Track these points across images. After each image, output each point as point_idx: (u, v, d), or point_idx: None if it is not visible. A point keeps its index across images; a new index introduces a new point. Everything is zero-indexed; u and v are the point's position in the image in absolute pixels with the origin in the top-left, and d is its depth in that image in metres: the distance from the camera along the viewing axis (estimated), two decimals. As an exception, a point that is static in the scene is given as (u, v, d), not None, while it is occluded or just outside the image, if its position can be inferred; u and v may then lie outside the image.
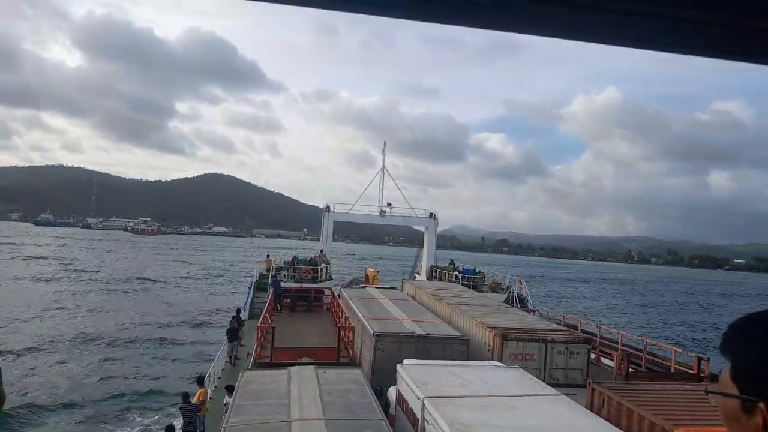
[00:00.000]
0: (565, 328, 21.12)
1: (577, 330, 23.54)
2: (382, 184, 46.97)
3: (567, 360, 17.29)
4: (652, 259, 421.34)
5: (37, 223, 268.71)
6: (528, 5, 1.07)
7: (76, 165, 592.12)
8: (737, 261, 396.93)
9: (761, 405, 1.01)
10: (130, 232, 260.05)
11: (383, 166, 47.84)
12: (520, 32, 1.17)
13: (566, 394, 11.92)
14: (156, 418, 22.62)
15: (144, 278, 71.39)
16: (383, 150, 48.77)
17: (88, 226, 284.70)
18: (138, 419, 22.75)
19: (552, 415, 10.37)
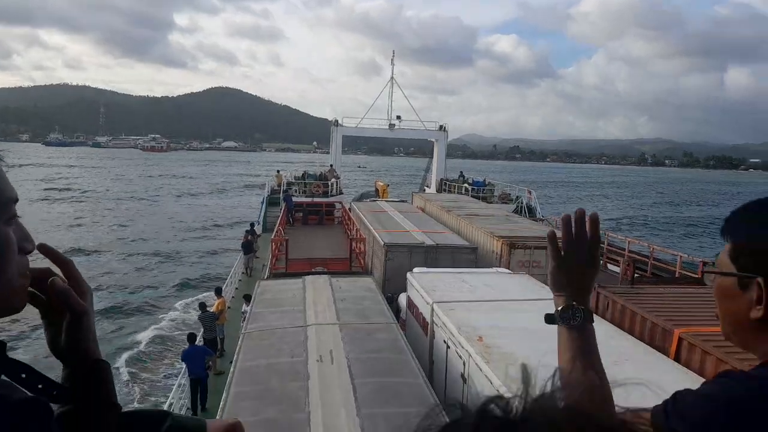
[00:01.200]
0: (573, 236, 21.40)
1: (585, 238, 23.87)
2: (391, 96, 46.28)
3: (573, 266, 17.66)
4: (667, 162, 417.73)
5: (47, 144, 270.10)
6: None
7: (80, 84, 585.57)
8: (753, 160, 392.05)
9: (759, 280, 1.07)
10: (141, 149, 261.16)
11: (392, 77, 46.91)
12: None
13: (572, 299, 12.31)
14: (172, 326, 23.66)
15: (157, 195, 72.42)
16: (392, 60, 47.60)
17: (98, 145, 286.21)
18: (156, 326, 23.79)
19: (556, 317, 10.78)
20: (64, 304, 0.98)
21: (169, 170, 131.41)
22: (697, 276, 18.88)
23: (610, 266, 22.62)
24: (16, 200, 0.95)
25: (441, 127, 46.03)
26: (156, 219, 52.35)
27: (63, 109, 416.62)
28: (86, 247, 38.24)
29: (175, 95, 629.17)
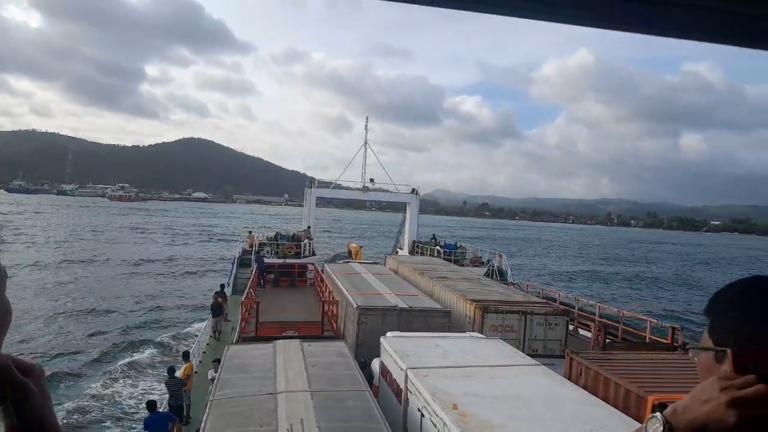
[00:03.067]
0: (543, 300, 21.58)
1: (556, 302, 24.06)
2: (365, 160, 46.90)
3: (546, 331, 17.72)
4: (632, 222, 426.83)
5: (9, 190, 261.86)
6: None
7: (48, 131, 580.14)
8: (714, 222, 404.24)
9: (729, 352, 1.13)
10: (108, 198, 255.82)
11: (365, 142, 47.63)
12: (514, 15, 1.15)
13: (545, 365, 12.28)
14: (138, 390, 22.72)
15: (119, 245, 70.92)
16: (365, 126, 48.53)
17: (63, 193, 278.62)
18: (120, 389, 22.80)
19: (532, 385, 10.70)
20: (3, 380, 0.94)
21: (132, 220, 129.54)
22: (667, 342, 19.07)
23: (581, 331, 22.73)
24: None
25: (413, 190, 46.66)
26: (116, 277, 51.02)
27: (29, 155, 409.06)
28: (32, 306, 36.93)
29: (145, 145, 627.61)
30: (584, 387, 11.51)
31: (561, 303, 24.38)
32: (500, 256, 38.01)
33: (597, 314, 22.68)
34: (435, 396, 9.71)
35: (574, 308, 23.72)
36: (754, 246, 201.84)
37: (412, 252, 42.12)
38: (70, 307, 37.32)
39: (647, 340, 19.72)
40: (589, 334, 20.98)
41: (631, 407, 10.44)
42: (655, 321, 21.27)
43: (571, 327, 20.31)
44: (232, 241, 74.45)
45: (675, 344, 18.87)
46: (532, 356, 13.64)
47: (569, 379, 12.06)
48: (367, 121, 48.80)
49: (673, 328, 19.51)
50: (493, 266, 36.32)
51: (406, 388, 11.15)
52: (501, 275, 34.95)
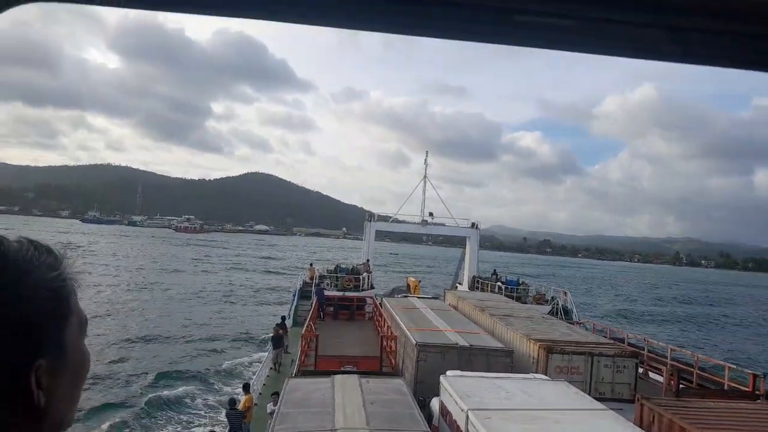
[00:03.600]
0: (611, 341, 20.69)
1: (624, 343, 23.00)
2: (424, 194, 46.97)
3: (614, 374, 16.91)
4: (703, 262, 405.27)
5: (84, 221, 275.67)
6: (533, 19, 1.03)
7: (122, 164, 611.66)
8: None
9: None
10: (174, 229, 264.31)
11: (425, 176, 47.79)
12: (526, 46, 1.11)
13: (613, 409, 11.68)
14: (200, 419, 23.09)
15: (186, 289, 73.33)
16: (425, 160, 48.77)
17: (133, 224, 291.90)
18: (178, 421, 23.22)
19: (599, 430, 10.18)
20: None
21: (197, 251, 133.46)
22: (748, 390, 17.81)
23: (651, 375, 21.56)
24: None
25: (473, 224, 46.20)
26: (180, 306, 52.56)
27: (103, 187, 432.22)
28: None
29: (211, 178, 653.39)
30: (657, 436, 10.87)
31: (629, 344, 23.31)
32: (565, 293, 36.88)
33: (669, 357, 21.49)
34: (497, 440, 9.39)
35: (643, 350, 22.59)
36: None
37: (472, 288, 41.49)
38: (134, 333, 38.70)
39: (725, 387, 18.49)
40: (660, 379, 19.87)
41: (710, 461, 9.76)
42: (734, 366, 19.93)
43: (640, 370, 19.30)
44: (290, 274, 75.78)
45: (756, 392, 17.60)
46: (599, 400, 13.02)
47: (640, 427, 11.41)
48: (426, 156, 49.08)
49: (754, 375, 18.19)
50: (557, 304, 35.23)
51: (467, 430, 10.83)
52: (566, 314, 33.83)
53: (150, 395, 25.77)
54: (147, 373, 29.27)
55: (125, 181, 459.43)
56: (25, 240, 0.96)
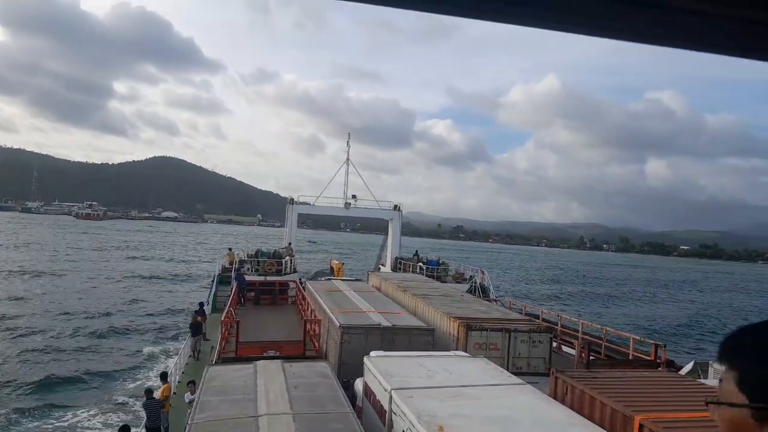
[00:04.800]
0: (527, 318, 21.52)
1: (539, 319, 24.01)
2: (347, 177, 46.83)
3: (530, 349, 17.62)
4: (605, 246, 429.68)
5: None
6: None
7: (13, 147, 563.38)
8: (683, 247, 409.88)
9: None
10: (74, 216, 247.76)
11: (348, 159, 47.63)
12: (513, 23, 1.10)
13: (529, 383, 12.15)
14: (114, 415, 22.11)
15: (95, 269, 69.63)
16: (347, 142, 48.57)
17: (28, 210, 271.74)
18: (92, 413, 22.16)
19: (518, 404, 10.55)
20: None
21: (102, 239, 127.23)
22: (650, 359, 19.08)
23: (564, 348, 22.67)
24: None
25: (395, 206, 46.63)
26: (93, 294, 49.94)
27: None
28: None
29: (114, 162, 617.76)
30: (570, 406, 11.39)
31: (544, 320, 24.35)
32: (482, 272, 38.02)
33: (580, 331, 22.65)
34: (420, 418, 9.51)
35: (557, 325, 23.68)
36: (724, 270, 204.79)
37: (394, 269, 41.96)
38: (46, 323, 36.38)
39: (630, 357, 19.72)
40: (572, 352, 20.92)
41: (618, 427, 10.34)
42: (638, 337, 21.29)
43: (554, 344, 20.24)
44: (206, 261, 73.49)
45: (658, 360, 18.90)
46: (516, 374, 13.51)
47: (555, 399, 11.94)
48: (349, 137, 48.90)
49: (656, 345, 19.53)
50: (475, 283, 36.29)
51: (391, 410, 10.93)
52: (484, 292, 34.92)
53: (60, 390, 24.43)
54: (57, 366, 27.67)
55: (18, 164, 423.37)
56: None
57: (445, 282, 34.89)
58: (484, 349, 17.02)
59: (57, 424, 21.06)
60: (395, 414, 10.76)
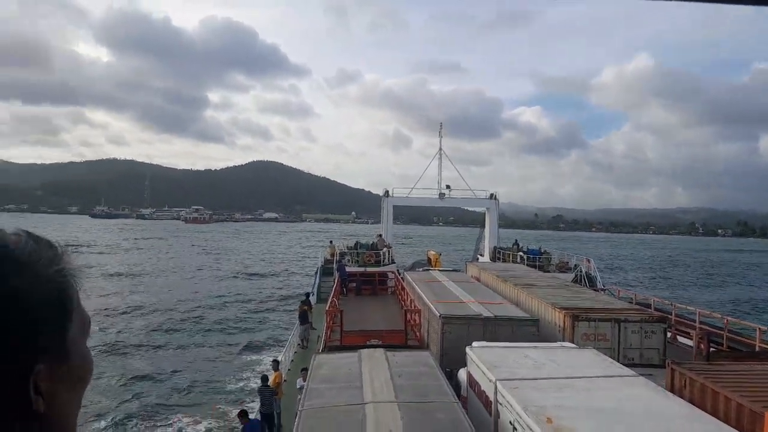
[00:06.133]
0: (637, 307, 20.46)
1: (651, 308, 22.75)
2: (440, 167, 46.66)
3: (642, 339, 16.75)
4: (719, 231, 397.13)
5: (93, 216, 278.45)
6: None
7: (128, 158, 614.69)
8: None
9: None
10: (183, 221, 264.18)
11: (440, 149, 47.47)
12: None
13: (643, 375, 11.56)
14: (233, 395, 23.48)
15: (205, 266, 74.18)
16: (440, 132, 48.37)
17: (142, 217, 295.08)
18: (209, 398, 23.64)
19: (631, 397, 10.07)
20: None
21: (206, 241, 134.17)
22: (780, 351, 17.53)
23: (680, 339, 21.34)
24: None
25: (492, 195, 45.85)
26: (206, 289, 53.26)
27: (110, 182, 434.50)
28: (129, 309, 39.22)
29: (217, 168, 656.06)
30: (689, 401, 10.70)
31: (656, 309, 23.04)
32: (588, 261, 36.57)
33: (698, 321, 21.21)
34: (527, 409, 9.32)
35: (670, 315, 22.32)
36: None
37: (493, 259, 41.34)
38: (168, 318, 39.36)
39: (757, 349, 18.22)
40: (690, 343, 19.63)
41: (745, 424, 9.59)
42: (765, 327, 19.60)
43: (669, 335, 19.09)
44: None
45: (789, 353, 17.32)
46: (628, 366, 12.88)
47: (672, 392, 11.26)
48: (441, 128, 48.63)
49: (787, 336, 17.90)
50: (581, 272, 34.96)
51: (496, 400, 10.80)
52: (590, 281, 33.59)
53: (184, 376, 26.34)
54: (178, 355, 29.88)
55: (131, 174, 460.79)
56: (24, 233, 0.88)
57: (548, 272, 33.88)
58: (593, 340, 16.37)
59: (178, 406, 22.68)
60: (501, 405, 10.62)
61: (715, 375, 11.37)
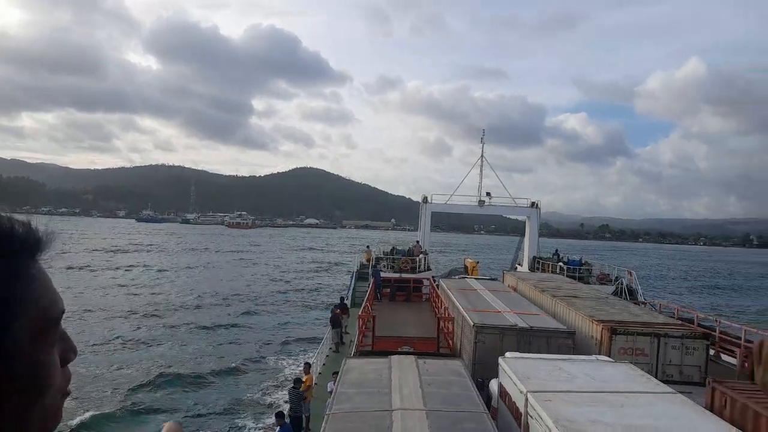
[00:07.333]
0: (679, 322, 19.84)
1: (694, 323, 22.01)
2: (481, 174, 46.30)
3: (682, 356, 16.21)
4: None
5: (139, 220, 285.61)
6: None
7: (175, 164, 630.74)
8: None
9: None
10: (226, 225, 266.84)
11: (482, 156, 47.11)
12: None
13: (681, 393, 11.19)
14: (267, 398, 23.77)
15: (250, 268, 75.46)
16: (482, 139, 48.03)
17: (186, 221, 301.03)
18: (245, 397, 23.98)
19: (667, 415, 9.75)
20: None
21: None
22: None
23: (723, 356, 20.56)
24: (64, 311, 0.87)
25: (533, 203, 45.22)
26: (242, 291, 54.19)
27: (157, 187, 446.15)
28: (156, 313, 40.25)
29: (260, 174, 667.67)
30: (729, 421, 10.31)
31: (700, 325, 22.27)
32: (630, 273, 35.66)
33: (743, 338, 20.40)
34: (558, 422, 9.13)
35: (714, 331, 21.54)
36: None
37: (532, 268, 40.74)
38: (201, 320, 40.23)
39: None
40: (733, 361, 18.92)
41: (789, 448, 9.19)
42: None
43: (712, 352, 18.41)
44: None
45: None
46: (666, 383, 12.49)
47: (711, 411, 10.87)
48: (483, 134, 48.27)
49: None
50: (622, 284, 34.12)
51: (527, 413, 10.61)
52: (631, 294, 32.74)
53: (213, 375, 26.87)
54: (213, 355, 30.53)
55: (178, 180, 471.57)
56: None
57: (588, 283, 33.19)
58: (630, 354, 15.93)
59: (216, 404, 23.09)
60: (531, 417, 10.43)
61: (757, 395, 10.92)
